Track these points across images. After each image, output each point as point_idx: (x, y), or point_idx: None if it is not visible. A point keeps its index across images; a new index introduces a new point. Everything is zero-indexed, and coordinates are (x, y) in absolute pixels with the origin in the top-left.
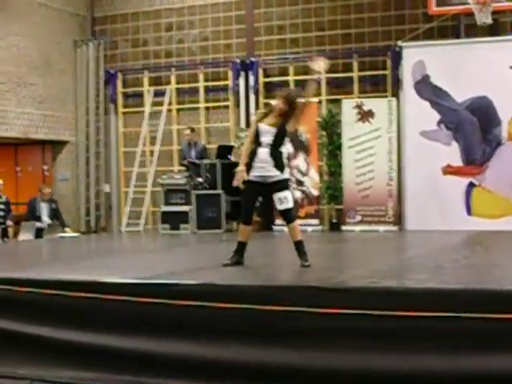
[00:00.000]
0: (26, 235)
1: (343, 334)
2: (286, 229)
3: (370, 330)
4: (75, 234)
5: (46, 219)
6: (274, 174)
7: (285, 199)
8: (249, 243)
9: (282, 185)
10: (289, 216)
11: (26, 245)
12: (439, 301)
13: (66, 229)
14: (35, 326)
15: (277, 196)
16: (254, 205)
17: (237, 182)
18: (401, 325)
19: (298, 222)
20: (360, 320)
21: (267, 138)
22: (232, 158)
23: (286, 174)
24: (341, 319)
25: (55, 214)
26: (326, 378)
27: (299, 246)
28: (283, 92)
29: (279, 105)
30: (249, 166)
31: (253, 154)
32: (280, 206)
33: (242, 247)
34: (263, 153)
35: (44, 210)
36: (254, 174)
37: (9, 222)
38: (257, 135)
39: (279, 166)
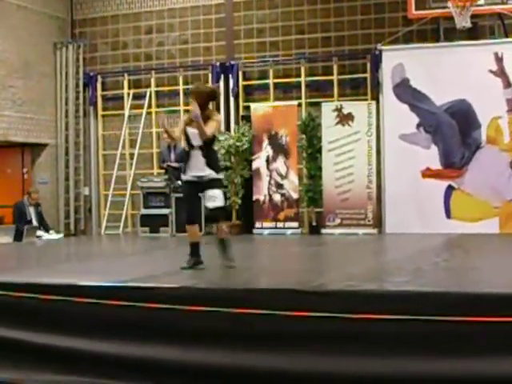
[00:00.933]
0: (4, 238)
1: (322, 338)
2: (265, 232)
3: (350, 334)
4: (57, 236)
5: (35, 223)
6: (208, 173)
7: (214, 197)
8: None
9: (214, 183)
10: (217, 215)
11: (6, 248)
12: (418, 304)
13: (51, 231)
14: (13, 329)
15: (207, 193)
16: (196, 204)
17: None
18: (380, 328)
19: (278, 224)
20: (339, 323)
21: (197, 141)
22: None
23: (220, 175)
24: (320, 322)
25: (40, 218)
26: (306, 382)
27: (223, 245)
28: (191, 91)
29: (194, 106)
30: (184, 167)
31: (187, 156)
32: (208, 204)
33: (195, 248)
34: (196, 155)
35: (32, 213)
36: (190, 174)
37: None
38: (187, 138)
39: (213, 165)
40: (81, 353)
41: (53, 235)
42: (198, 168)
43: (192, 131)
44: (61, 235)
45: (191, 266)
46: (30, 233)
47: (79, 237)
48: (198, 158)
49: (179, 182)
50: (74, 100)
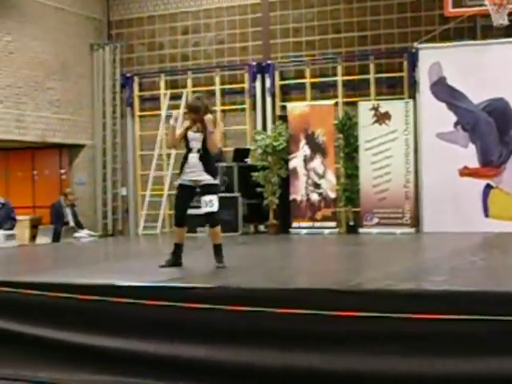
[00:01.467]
0: (43, 238)
1: (360, 337)
2: (303, 231)
3: (388, 333)
4: (92, 233)
5: (72, 224)
6: (204, 178)
7: (210, 202)
8: (266, 246)
9: (210, 189)
10: (211, 220)
11: (44, 248)
12: (455, 303)
13: (85, 230)
14: (53, 330)
15: (203, 199)
16: (186, 207)
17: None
18: (418, 327)
19: (315, 224)
20: (377, 323)
21: (196, 144)
22: (249, 160)
23: (217, 180)
24: (358, 322)
25: (75, 217)
26: (345, 381)
27: (217, 249)
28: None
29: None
30: (180, 170)
31: (184, 159)
32: (204, 209)
33: (177, 249)
34: (193, 158)
35: (69, 214)
36: (186, 178)
37: None
38: (186, 142)
39: (209, 170)
40: (119, 353)
41: (86, 233)
42: (195, 172)
43: (192, 135)
44: (95, 234)
45: (169, 264)
46: (68, 233)
47: (117, 237)
48: (195, 161)
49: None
50: (111, 101)
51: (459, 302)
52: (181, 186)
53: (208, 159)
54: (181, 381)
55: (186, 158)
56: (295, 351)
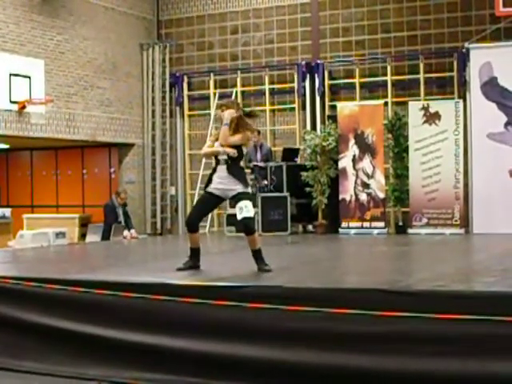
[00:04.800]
0: (92, 237)
1: (410, 338)
2: (352, 231)
3: (438, 334)
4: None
5: (123, 223)
6: (234, 187)
7: (246, 207)
8: (315, 245)
9: (243, 195)
10: (248, 227)
11: (95, 246)
12: (507, 304)
13: (132, 230)
14: (104, 328)
15: (238, 205)
16: (203, 214)
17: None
18: (469, 329)
19: (364, 224)
20: (427, 324)
21: (223, 156)
22: (298, 160)
23: (248, 189)
24: (408, 323)
25: (126, 217)
26: (396, 382)
27: (256, 254)
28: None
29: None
30: (208, 181)
31: (213, 171)
32: (240, 215)
33: (194, 253)
34: (221, 170)
35: (121, 213)
36: (215, 187)
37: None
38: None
39: (239, 180)
40: (169, 351)
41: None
42: (224, 184)
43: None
44: (137, 236)
45: (186, 267)
46: (117, 232)
47: (166, 236)
48: (223, 173)
49: (265, 182)
50: (161, 100)
51: (510, 303)
52: (207, 192)
53: (236, 169)
54: (230, 380)
55: (214, 170)
56: (345, 351)
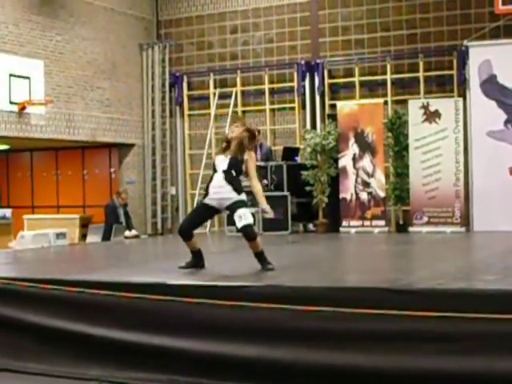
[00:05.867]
0: (93, 237)
1: (411, 336)
2: (352, 230)
3: (439, 333)
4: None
5: (123, 223)
6: (230, 196)
7: (244, 215)
8: (316, 244)
9: (239, 204)
10: (248, 234)
11: (95, 247)
12: (508, 302)
13: (133, 230)
14: (105, 328)
15: (236, 214)
16: (196, 224)
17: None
18: (471, 327)
19: (365, 223)
20: (428, 322)
21: (222, 166)
22: (298, 159)
23: (242, 196)
24: (409, 321)
25: (127, 217)
26: (394, 381)
27: (259, 256)
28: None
29: (238, 130)
30: (205, 192)
31: (209, 181)
32: (239, 223)
33: (195, 255)
34: (218, 177)
35: (121, 213)
36: (210, 197)
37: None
38: (214, 166)
39: (235, 189)
40: (170, 351)
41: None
42: (220, 193)
43: (221, 158)
44: (138, 234)
45: (189, 266)
46: (117, 232)
47: (166, 236)
48: (220, 180)
49: (265, 181)
50: (161, 100)
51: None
52: (203, 204)
53: (233, 179)
54: (232, 380)
55: (211, 179)
56: (346, 350)
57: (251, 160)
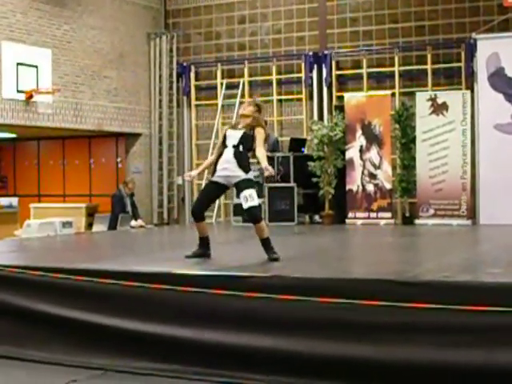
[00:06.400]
0: (99, 226)
1: (418, 328)
2: (358, 222)
3: (445, 325)
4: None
5: (130, 212)
6: (237, 174)
7: (250, 196)
8: (322, 236)
9: (247, 184)
10: (253, 215)
11: (101, 236)
12: None
13: (139, 220)
14: (110, 317)
15: (242, 194)
16: (208, 203)
17: (187, 177)
18: (476, 319)
19: (371, 214)
20: (434, 314)
21: (233, 140)
22: (305, 150)
23: (250, 175)
24: (415, 313)
25: (134, 207)
26: (402, 373)
27: (265, 243)
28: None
29: (250, 108)
30: (214, 169)
31: (218, 156)
32: (245, 205)
33: (203, 242)
34: (227, 153)
35: (128, 203)
36: (218, 175)
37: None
38: (224, 140)
39: (243, 166)
40: (176, 341)
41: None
42: (228, 169)
43: (232, 132)
44: (145, 225)
45: (196, 255)
46: (123, 222)
47: (172, 226)
48: (229, 156)
49: (281, 168)
50: (168, 90)
51: None
52: (211, 182)
53: (242, 155)
54: (240, 370)
55: (220, 154)
56: (353, 341)
57: (260, 135)
